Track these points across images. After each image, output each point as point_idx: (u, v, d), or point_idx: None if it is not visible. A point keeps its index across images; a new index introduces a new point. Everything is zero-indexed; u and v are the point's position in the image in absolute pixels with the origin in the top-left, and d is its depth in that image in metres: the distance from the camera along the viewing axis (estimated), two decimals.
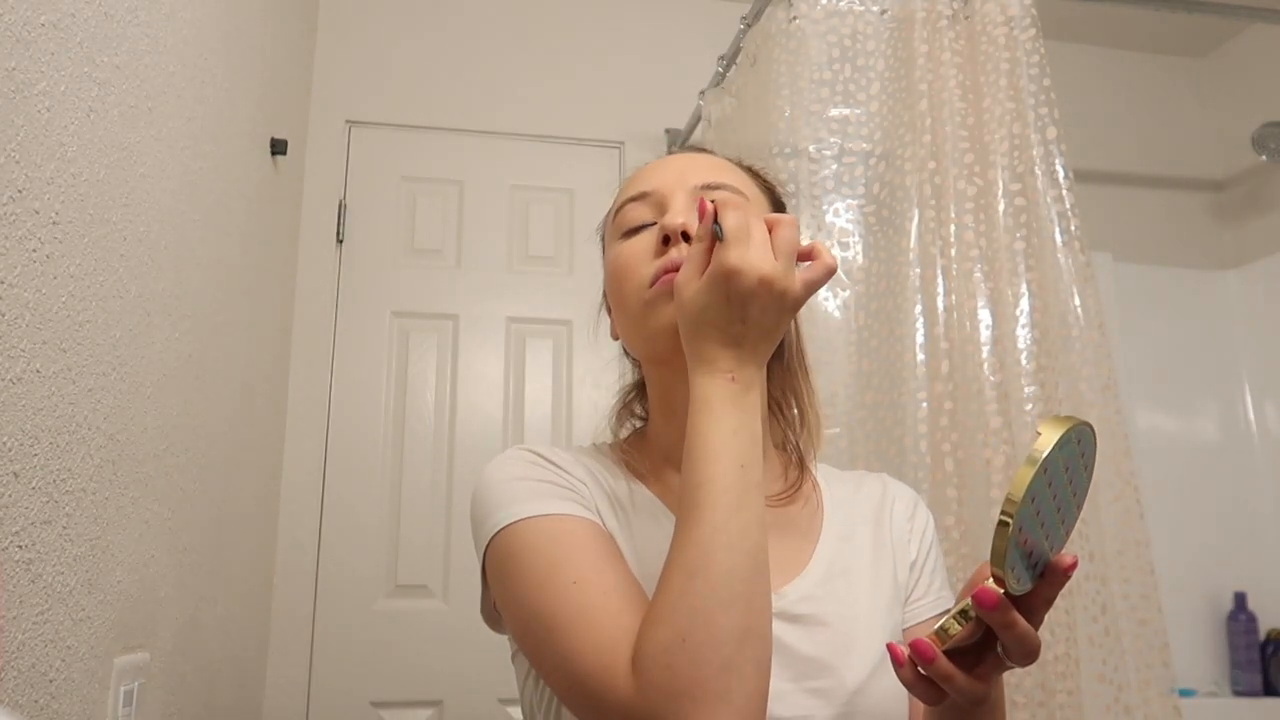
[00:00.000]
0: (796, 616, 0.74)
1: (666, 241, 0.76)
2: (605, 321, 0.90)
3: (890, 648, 0.62)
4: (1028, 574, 0.58)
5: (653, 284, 0.76)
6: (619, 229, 0.82)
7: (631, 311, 0.78)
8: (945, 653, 0.59)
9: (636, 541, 0.76)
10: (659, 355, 0.80)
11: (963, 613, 0.59)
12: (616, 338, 0.88)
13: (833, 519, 0.84)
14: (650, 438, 0.86)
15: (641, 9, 2.50)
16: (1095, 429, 0.60)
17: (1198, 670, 2.41)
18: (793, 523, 0.82)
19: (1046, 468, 0.55)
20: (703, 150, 0.90)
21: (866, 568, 0.81)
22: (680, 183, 0.80)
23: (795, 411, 0.88)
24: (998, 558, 0.55)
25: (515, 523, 0.71)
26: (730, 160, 0.87)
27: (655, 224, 0.79)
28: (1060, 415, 0.57)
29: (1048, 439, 0.55)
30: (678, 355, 0.69)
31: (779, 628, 0.73)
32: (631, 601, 0.65)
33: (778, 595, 0.75)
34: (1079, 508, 0.62)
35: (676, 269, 0.72)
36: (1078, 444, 0.57)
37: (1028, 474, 0.54)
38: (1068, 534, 0.61)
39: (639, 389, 0.91)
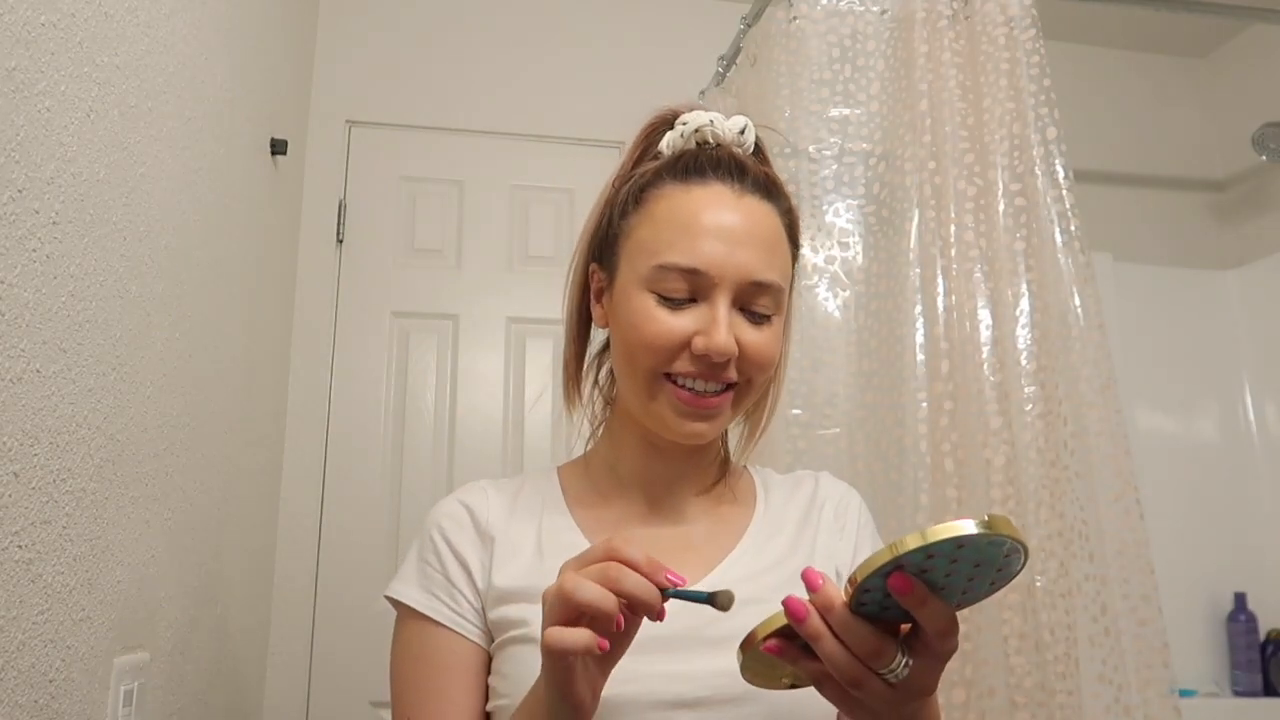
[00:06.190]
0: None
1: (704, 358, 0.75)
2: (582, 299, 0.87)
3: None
4: (877, 606, 0.55)
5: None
6: (652, 281, 0.76)
7: (638, 383, 0.78)
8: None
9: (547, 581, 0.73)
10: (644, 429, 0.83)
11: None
12: (604, 325, 0.84)
13: (761, 520, 0.86)
14: (594, 459, 0.89)
15: (641, 9, 2.50)
16: (1026, 557, 0.54)
17: (1198, 670, 2.41)
18: (722, 520, 0.85)
19: (962, 544, 0.50)
20: (760, 196, 0.80)
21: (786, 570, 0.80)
22: (737, 274, 0.75)
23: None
24: (864, 570, 0.52)
25: (398, 603, 0.81)
26: (780, 212, 0.81)
27: (694, 301, 0.76)
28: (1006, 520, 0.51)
29: (996, 528, 0.50)
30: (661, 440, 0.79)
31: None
32: None
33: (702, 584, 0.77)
34: (959, 605, 0.57)
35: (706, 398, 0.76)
36: (1005, 557, 0.53)
37: (951, 530, 0.50)
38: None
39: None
